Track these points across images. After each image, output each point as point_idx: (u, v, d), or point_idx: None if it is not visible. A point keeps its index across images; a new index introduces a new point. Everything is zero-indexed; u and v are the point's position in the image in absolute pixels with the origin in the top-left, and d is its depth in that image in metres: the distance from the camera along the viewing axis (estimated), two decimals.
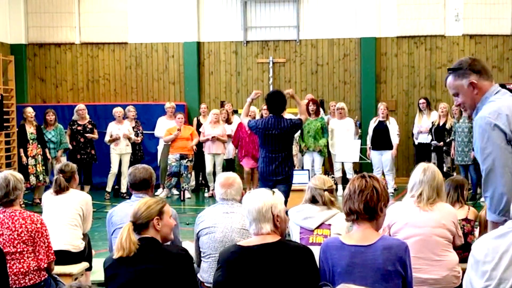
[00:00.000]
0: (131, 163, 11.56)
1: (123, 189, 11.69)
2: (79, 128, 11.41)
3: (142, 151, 12.10)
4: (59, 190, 5.46)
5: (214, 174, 11.48)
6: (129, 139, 11.56)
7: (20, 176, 4.53)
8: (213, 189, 11.68)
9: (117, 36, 13.73)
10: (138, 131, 11.89)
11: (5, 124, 11.76)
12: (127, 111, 11.88)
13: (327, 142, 11.38)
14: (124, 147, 11.55)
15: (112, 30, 13.69)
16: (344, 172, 11.88)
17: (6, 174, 4.43)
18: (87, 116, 11.64)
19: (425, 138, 11.52)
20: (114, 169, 11.60)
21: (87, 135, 11.32)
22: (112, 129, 11.51)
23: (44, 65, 13.96)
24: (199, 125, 11.90)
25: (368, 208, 3.18)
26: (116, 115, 11.61)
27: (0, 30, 13.22)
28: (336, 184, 11.34)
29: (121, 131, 11.47)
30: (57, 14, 13.75)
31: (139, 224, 3.55)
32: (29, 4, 13.75)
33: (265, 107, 11.30)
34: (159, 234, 3.59)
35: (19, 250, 4.28)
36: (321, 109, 11.67)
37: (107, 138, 11.48)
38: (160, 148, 12.04)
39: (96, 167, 11.74)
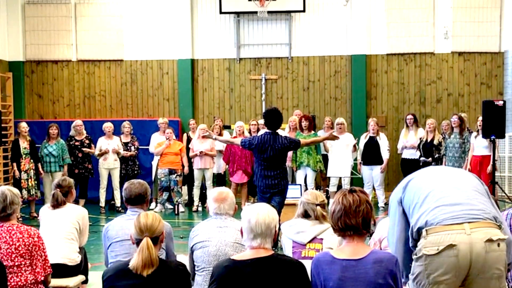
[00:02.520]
0: (129, 178, 11.77)
1: (118, 203, 11.83)
2: (76, 143, 11.60)
3: (138, 166, 12.21)
4: (56, 205, 5.50)
5: (205, 188, 11.71)
6: (118, 154, 11.71)
7: (16, 191, 4.57)
8: (197, 205, 11.86)
9: (112, 53, 13.87)
10: (133, 146, 12.02)
11: (3, 140, 11.84)
12: (122, 126, 12.03)
13: (321, 158, 11.54)
14: (113, 162, 11.68)
15: (108, 47, 13.83)
16: (339, 187, 12.00)
17: (2, 189, 4.46)
18: (84, 132, 11.82)
19: (413, 154, 11.55)
20: (103, 183, 11.75)
21: (84, 149, 11.49)
22: (102, 143, 11.67)
23: (41, 82, 14.05)
24: (188, 140, 12.05)
25: (366, 223, 3.26)
26: (106, 130, 11.75)
27: None
28: (328, 198, 11.50)
29: (110, 146, 11.62)
30: (54, 32, 13.88)
31: (153, 239, 3.52)
32: (27, 22, 13.88)
33: (254, 122, 11.55)
34: (159, 248, 3.66)
35: (16, 263, 4.30)
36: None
37: (96, 152, 11.64)
38: (154, 163, 12.16)
39: (91, 181, 11.88)
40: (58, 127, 11.52)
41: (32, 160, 11.09)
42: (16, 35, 13.79)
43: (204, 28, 13.82)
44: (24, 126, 11.19)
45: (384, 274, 3.15)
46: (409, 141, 11.73)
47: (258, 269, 3.30)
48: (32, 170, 11.09)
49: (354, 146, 11.56)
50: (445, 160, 10.99)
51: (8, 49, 13.73)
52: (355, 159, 11.87)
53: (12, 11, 13.71)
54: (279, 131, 8.16)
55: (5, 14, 13.62)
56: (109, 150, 11.59)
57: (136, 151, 12.09)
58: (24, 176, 10.98)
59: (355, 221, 3.23)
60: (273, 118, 7.87)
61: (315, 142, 9.60)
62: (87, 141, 11.70)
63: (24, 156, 11.01)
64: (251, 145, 7.87)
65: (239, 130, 11.53)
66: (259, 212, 3.41)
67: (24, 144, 11.05)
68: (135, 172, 11.99)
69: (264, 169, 7.83)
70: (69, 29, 13.90)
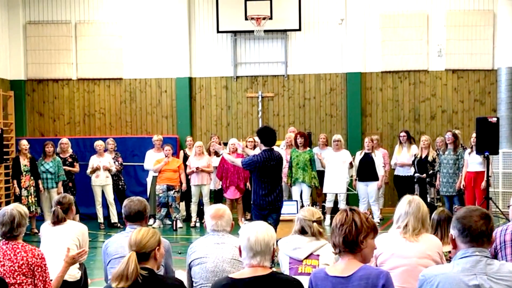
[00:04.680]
0: (116, 193, 11.96)
1: (114, 219, 12.00)
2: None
3: (124, 181, 12.42)
4: (57, 221, 5.56)
5: (203, 204, 11.85)
6: (109, 171, 11.91)
7: (25, 211, 4.58)
8: (195, 221, 11.98)
9: (112, 72, 14.00)
10: (117, 162, 12.23)
11: (4, 157, 12.02)
12: (106, 143, 12.22)
13: (316, 174, 11.67)
14: (105, 178, 11.90)
15: (107, 66, 13.96)
16: (335, 202, 12.07)
17: (11, 210, 4.46)
18: (70, 150, 12.01)
19: (406, 171, 11.67)
20: (98, 200, 11.94)
21: (64, 167, 11.64)
22: (93, 161, 11.88)
23: (42, 100, 14.19)
24: (186, 157, 12.22)
25: (347, 241, 3.25)
26: (97, 148, 11.98)
27: (0, 66, 13.50)
28: (325, 213, 11.64)
29: (101, 163, 11.83)
30: (55, 51, 14.03)
31: (142, 254, 3.53)
32: (28, 42, 14.03)
33: (250, 139, 11.72)
34: (156, 264, 3.63)
35: (18, 281, 4.32)
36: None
37: (88, 170, 11.85)
38: (149, 180, 12.32)
39: (87, 197, 12.10)
40: (54, 145, 11.69)
41: (32, 177, 11.27)
42: (17, 54, 13.95)
43: (201, 47, 13.97)
44: (24, 143, 11.41)
45: None
46: (400, 158, 11.87)
47: (256, 287, 3.33)
48: (32, 187, 11.27)
49: (351, 163, 11.68)
50: (439, 176, 11.12)
51: (9, 68, 13.89)
52: (351, 176, 11.99)
53: (13, 31, 13.90)
54: (274, 147, 8.35)
55: (7, 34, 13.80)
56: (101, 167, 11.79)
57: (120, 167, 12.30)
58: (24, 193, 11.18)
59: (337, 240, 3.27)
60: (268, 135, 8.06)
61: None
62: (70, 160, 11.87)
63: (24, 173, 11.21)
64: (256, 164, 7.95)
65: (233, 148, 11.69)
66: (258, 231, 3.43)
67: (24, 162, 11.25)
68: (119, 187, 12.22)
69: (267, 187, 7.96)
70: (69, 48, 14.06)
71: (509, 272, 3.10)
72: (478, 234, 3.15)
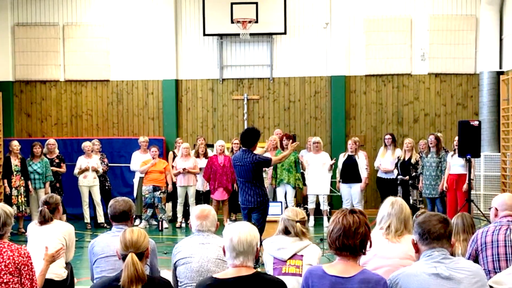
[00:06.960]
0: (101, 193, 12.07)
1: (100, 219, 12.09)
2: None
3: (109, 182, 12.53)
4: (44, 221, 5.59)
5: (189, 205, 11.94)
6: (97, 172, 12.01)
7: (10, 210, 4.52)
8: (181, 221, 12.08)
9: (99, 73, 14.06)
10: (103, 163, 12.34)
11: None
12: (92, 144, 12.30)
13: (301, 175, 11.79)
14: (92, 179, 11.98)
15: (95, 68, 14.03)
16: (317, 204, 12.21)
17: None
18: (57, 151, 12.10)
19: (388, 174, 11.71)
20: (85, 200, 12.01)
21: (51, 168, 11.72)
22: (81, 162, 11.96)
23: (30, 101, 14.24)
24: (174, 158, 12.31)
25: (363, 245, 3.27)
26: (85, 149, 12.05)
27: None
28: (308, 215, 11.76)
29: (90, 164, 11.92)
30: (43, 53, 14.09)
31: (138, 254, 3.54)
32: (17, 44, 14.08)
33: (236, 141, 11.85)
34: (144, 263, 3.67)
35: (5, 280, 4.27)
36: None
37: (76, 171, 11.93)
38: (136, 180, 12.40)
39: (73, 197, 12.18)
40: (41, 146, 11.76)
41: (22, 178, 11.34)
42: (5, 55, 14.01)
43: (188, 49, 14.05)
44: (15, 144, 11.48)
45: None
46: (384, 161, 11.91)
47: (240, 287, 3.36)
48: (22, 187, 11.34)
49: (331, 165, 11.79)
50: (422, 178, 11.26)
51: None
52: (333, 177, 12.03)
53: (1, 33, 13.96)
54: (259, 149, 8.48)
55: None
56: (89, 168, 11.89)
57: (106, 167, 12.42)
58: (14, 192, 11.25)
59: (352, 242, 3.23)
60: (246, 136, 8.21)
61: (284, 157, 9.21)
62: (57, 160, 11.96)
63: (15, 173, 11.28)
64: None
65: (220, 149, 11.82)
66: (241, 231, 3.44)
67: (15, 162, 11.33)
68: (106, 187, 12.32)
69: (240, 185, 8.22)
70: (57, 50, 14.11)
71: (469, 265, 3.36)
72: (437, 236, 3.36)
